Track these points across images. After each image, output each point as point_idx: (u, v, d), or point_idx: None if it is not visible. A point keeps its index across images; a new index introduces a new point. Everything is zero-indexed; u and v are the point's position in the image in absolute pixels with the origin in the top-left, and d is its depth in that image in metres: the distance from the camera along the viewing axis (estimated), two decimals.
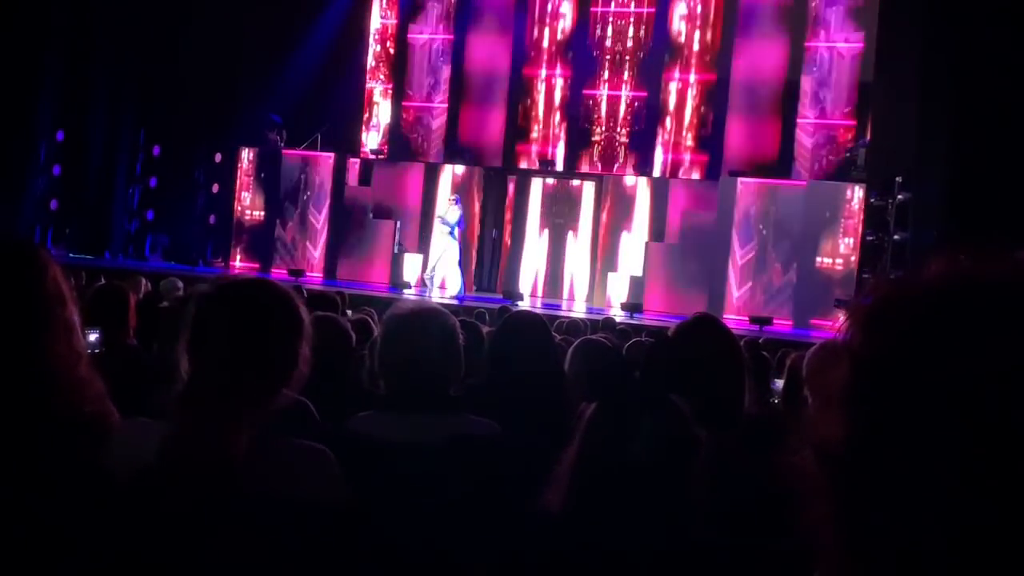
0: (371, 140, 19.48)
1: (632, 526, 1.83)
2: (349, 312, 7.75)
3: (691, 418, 1.87)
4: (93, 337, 4.42)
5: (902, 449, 0.79)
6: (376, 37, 19.59)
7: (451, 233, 15.76)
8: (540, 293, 17.73)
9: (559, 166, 18.35)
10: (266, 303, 2.06)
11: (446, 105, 18.98)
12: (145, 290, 9.09)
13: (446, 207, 16.40)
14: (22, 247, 1.99)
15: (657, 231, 17.02)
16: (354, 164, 18.54)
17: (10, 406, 1.83)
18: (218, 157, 18.65)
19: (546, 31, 18.65)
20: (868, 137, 15.80)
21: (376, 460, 2.57)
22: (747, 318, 14.36)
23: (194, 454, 1.83)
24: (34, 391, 1.86)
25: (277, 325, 2.04)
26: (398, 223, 17.77)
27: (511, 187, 18.41)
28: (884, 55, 15.32)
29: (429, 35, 19.31)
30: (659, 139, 17.84)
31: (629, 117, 18.09)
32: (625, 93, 18.11)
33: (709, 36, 17.72)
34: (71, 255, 16.57)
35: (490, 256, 18.27)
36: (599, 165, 18.09)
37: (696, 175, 17.60)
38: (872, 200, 14.74)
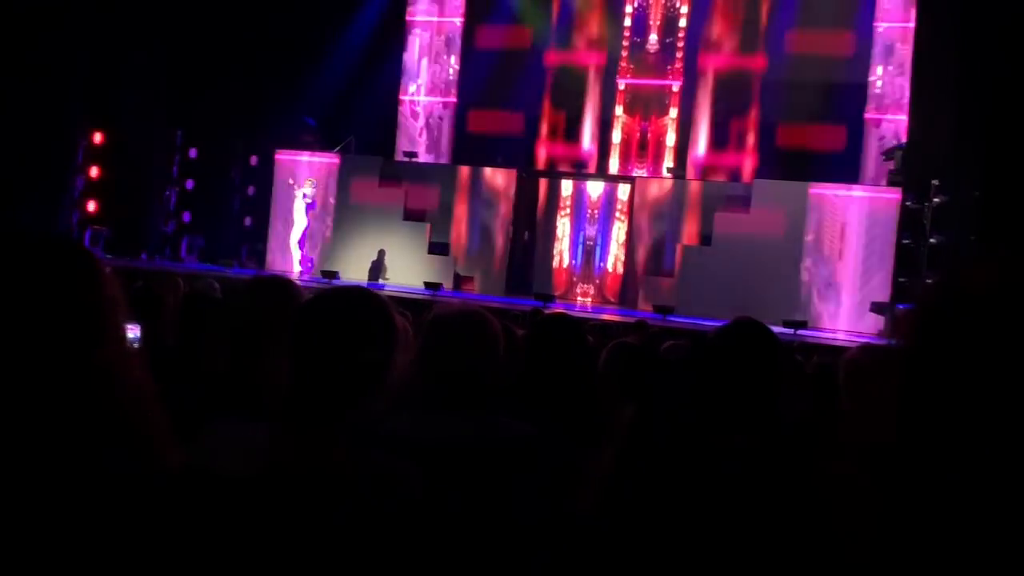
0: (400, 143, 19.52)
1: (668, 530, 1.83)
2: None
3: (729, 424, 1.87)
4: (133, 335, 4.47)
5: (962, 451, 0.78)
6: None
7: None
8: (571, 295, 17.71)
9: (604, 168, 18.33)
10: (364, 312, 2.09)
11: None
12: (183, 291, 9.16)
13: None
14: (77, 250, 2.01)
15: (698, 234, 16.90)
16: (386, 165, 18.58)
17: (65, 411, 1.85)
18: (254, 160, 18.79)
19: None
20: (904, 140, 15.68)
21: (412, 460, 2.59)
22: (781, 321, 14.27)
23: (296, 463, 1.86)
24: (89, 395, 1.88)
25: (374, 334, 2.06)
26: (429, 224, 17.85)
27: (542, 188, 18.40)
28: (921, 58, 15.19)
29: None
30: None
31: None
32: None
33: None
34: (108, 256, 16.75)
35: (521, 258, 18.25)
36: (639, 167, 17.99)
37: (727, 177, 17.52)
38: (908, 204, 14.62)
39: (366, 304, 2.11)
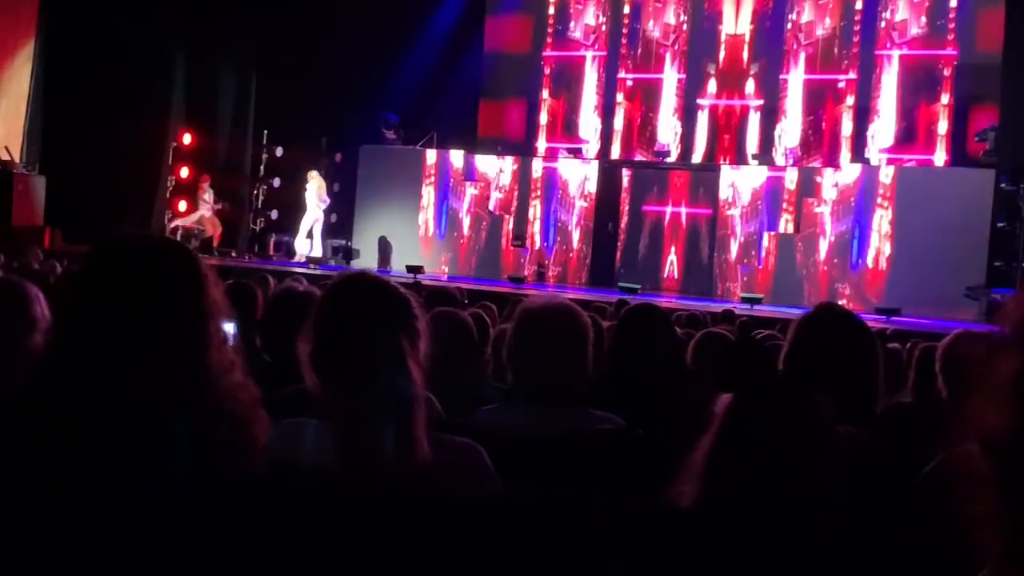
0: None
1: (767, 521, 1.80)
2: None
3: (831, 414, 1.83)
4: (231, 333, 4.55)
5: None
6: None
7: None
8: (662, 286, 17.51)
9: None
10: (372, 303, 2.12)
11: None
12: (273, 288, 9.30)
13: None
14: (187, 255, 2.05)
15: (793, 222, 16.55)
16: (469, 158, 18.63)
17: (170, 414, 1.88)
18: (338, 156, 19.01)
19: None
20: (998, 120, 15.24)
21: (501, 455, 2.59)
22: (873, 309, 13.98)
23: (359, 454, 1.89)
24: (194, 398, 1.91)
25: (376, 315, 2.10)
26: (511, 218, 17.90)
27: (626, 178, 18.27)
28: (1013, 33, 14.75)
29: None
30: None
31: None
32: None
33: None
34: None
35: (606, 249, 18.14)
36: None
37: (817, 162, 17.17)
38: (1003, 186, 14.22)
39: (374, 293, 2.16)
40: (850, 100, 17.10)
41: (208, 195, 18.22)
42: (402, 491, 1.90)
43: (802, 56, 17.42)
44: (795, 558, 1.76)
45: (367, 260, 17.55)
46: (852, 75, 17.10)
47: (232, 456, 1.91)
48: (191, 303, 1.96)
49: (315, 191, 18.06)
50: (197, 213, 18.29)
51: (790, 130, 17.48)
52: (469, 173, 18.46)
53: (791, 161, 17.26)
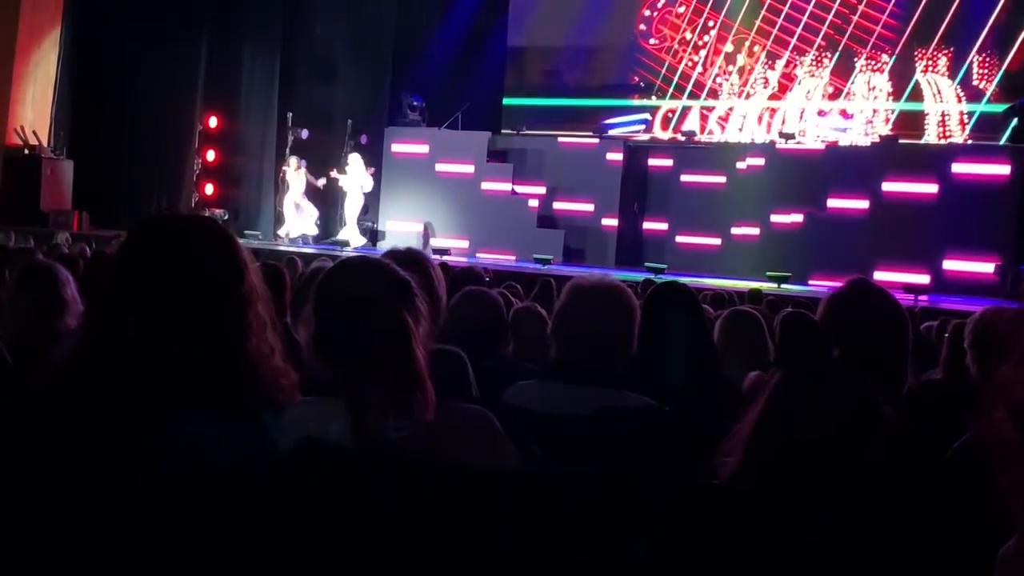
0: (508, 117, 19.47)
1: (811, 498, 1.80)
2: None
3: (878, 393, 1.84)
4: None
5: None
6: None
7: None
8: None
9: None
10: (366, 279, 2.16)
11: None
12: (301, 271, 9.37)
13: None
14: (226, 239, 2.06)
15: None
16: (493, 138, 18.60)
17: (211, 400, 1.89)
18: (364, 139, 19.04)
19: None
20: None
21: (532, 431, 2.60)
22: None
23: (363, 427, 1.91)
24: (234, 383, 1.92)
25: (377, 297, 2.12)
26: (538, 201, 17.86)
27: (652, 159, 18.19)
28: None
29: None
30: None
31: None
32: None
33: None
34: None
35: (631, 230, 18.08)
36: None
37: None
38: None
39: (375, 271, 2.19)
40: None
41: (301, 177, 18.10)
42: (410, 464, 1.92)
43: None
44: (833, 536, 1.77)
45: (393, 241, 17.57)
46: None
47: (269, 438, 1.93)
48: (231, 291, 1.97)
49: (358, 175, 17.88)
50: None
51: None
52: (493, 154, 18.44)
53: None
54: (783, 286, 13.83)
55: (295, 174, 18.01)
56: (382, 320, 2.07)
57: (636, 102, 18.71)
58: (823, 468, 1.81)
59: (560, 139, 18.36)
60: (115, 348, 1.89)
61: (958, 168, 14.90)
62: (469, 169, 18.13)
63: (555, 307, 3.01)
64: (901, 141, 15.92)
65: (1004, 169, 14.62)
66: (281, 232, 18.20)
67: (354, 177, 17.87)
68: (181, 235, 2.01)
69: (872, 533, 1.74)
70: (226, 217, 17.65)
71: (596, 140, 18.23)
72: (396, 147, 18.61)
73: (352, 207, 18.04)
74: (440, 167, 18.30)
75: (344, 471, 1.92)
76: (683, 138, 18.05)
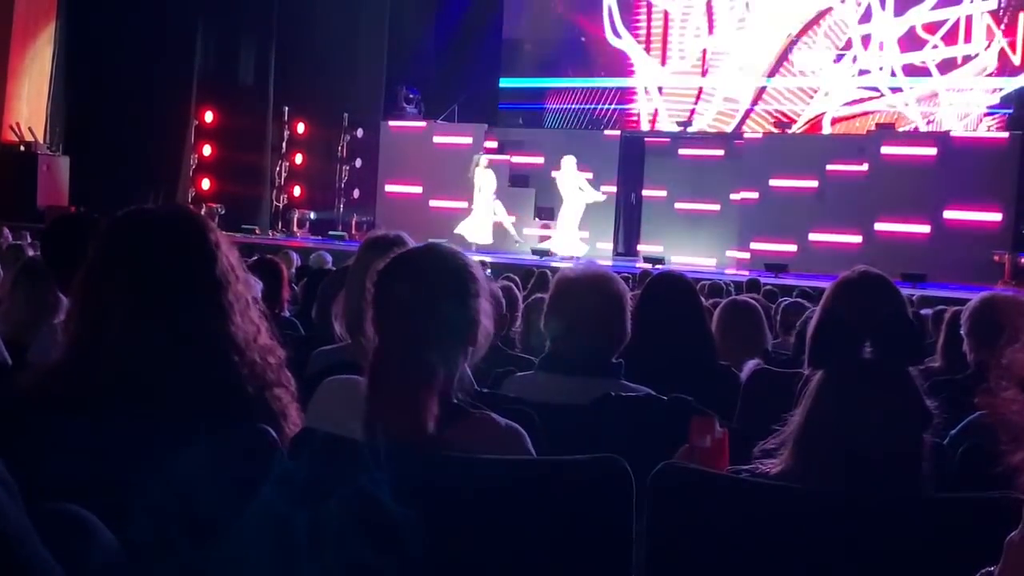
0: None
1: (861, 495, 1.81)
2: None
3: (923, 391, 1.84)
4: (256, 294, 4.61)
5: None
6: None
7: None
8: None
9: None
10: (437, 268, 2.09)
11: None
12: (297, 264, 9.39)
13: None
14: (195, 226, 2.05)
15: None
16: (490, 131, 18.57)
17: (198, 380, 1.89)
18: (360, 132, 19.00)
19: None
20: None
21: (532, 422, 2.60)
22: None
23: (390, 424, 1.90)
24: (221, 363, 1.92)
25: (450, 287, 2.07)
26: (535, 191, 17.81)
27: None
28: None
29: None
30: None
31: None
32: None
33: None
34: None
35: (629, 220, 18.08)
36: None
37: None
38: None
39: (436, 258, 2.11)
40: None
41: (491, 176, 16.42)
42: (440, 458, 1.91)
43: None
44: (881, 534, 1.78)
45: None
46: None
47: (260, 418, 1.93)
48: (202, 275, 1.98)
49: (571, 175, 15.96)
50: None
51: None
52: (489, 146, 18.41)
53: None
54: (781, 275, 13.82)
55: (484, 172, 16.31)
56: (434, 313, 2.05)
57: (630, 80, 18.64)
58: (884, 465, 1.82)
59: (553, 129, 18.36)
60: (97, 347, 1.91)
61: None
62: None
63: (545, 300, 3.02)
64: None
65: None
66: (552, 247, 15.98)
67: (568, 178, 16.09)
68: (146, 225, 2.03)
69: (926, 525, 1.76)
70: (222, 212, 17.63)
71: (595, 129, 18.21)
72: (391, 140, 18.56)
73: (570, 213, 16.15)
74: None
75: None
76: (679, 128, 18.03)
